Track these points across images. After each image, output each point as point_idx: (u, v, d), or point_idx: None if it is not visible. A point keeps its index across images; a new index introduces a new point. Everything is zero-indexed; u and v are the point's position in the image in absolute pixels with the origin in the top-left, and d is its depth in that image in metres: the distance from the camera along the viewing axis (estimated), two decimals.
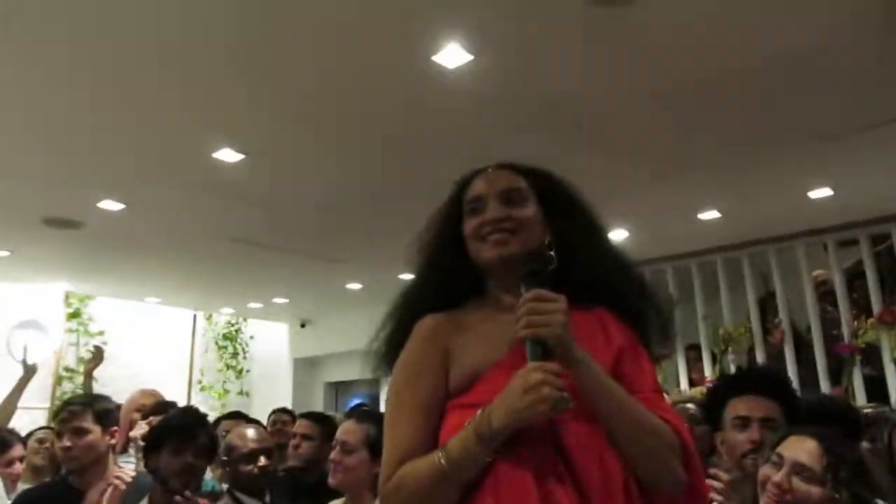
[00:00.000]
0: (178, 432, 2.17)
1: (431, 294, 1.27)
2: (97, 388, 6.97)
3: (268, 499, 2.67)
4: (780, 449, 1.57)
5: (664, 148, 3.85)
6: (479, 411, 1.05)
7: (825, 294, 5.23)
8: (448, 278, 1.26)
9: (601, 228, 1.32)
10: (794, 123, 3.58)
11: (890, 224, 4.90)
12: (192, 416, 2.31)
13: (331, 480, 2.19)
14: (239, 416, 3.76)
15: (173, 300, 7.79)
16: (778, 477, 1.50)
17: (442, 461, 1.05)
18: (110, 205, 4.56)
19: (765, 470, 1.56)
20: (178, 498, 2.02)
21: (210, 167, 3.94)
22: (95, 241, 5.32)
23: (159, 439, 2.19)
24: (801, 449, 1.52)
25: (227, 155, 3.81)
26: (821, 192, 4.50)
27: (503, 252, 1.20)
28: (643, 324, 1.23)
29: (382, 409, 4.65)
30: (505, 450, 1.04)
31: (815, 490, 1.47)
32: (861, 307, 5.01)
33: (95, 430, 2.42)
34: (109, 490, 2.29)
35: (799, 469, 1.49)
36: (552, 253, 1.22)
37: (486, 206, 1.24)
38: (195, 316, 8.44)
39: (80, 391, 6.97)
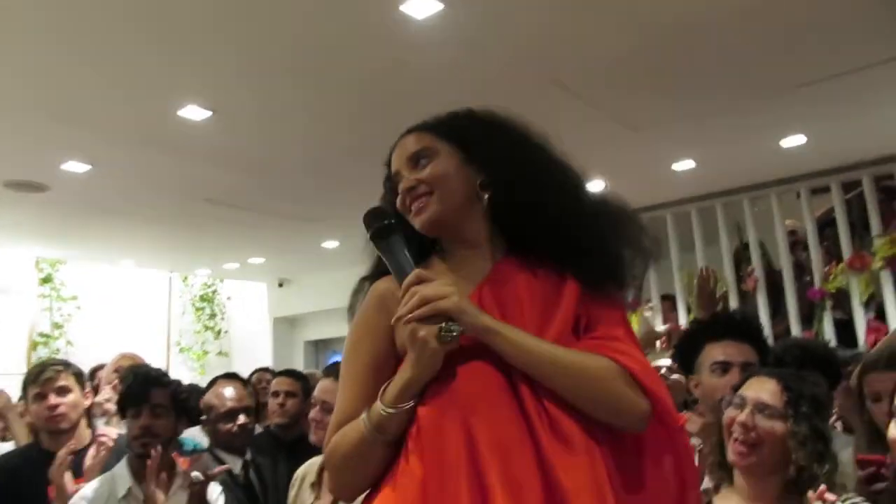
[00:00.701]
0: (129, 397, 2.18)
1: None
2: (73, 353, 6.97)
3: (248, 456, 2.70)
4: (741, 391, 1.63)
5: (639, 98, 3.82)
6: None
7: (796, 243, 5.32)
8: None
9: (547, 157, 1.23)
10: (766, 72, 3.56)
11: (861, 171, 4.96)
12: (141, 378, 2.28)
13: (312, 438, 2.21)
14: (233, 378, 3.75)
15: (147, 262, 7.70)
16: (742, 416, 1.56)
17: (364, 423, 1.08)
18: (75, 166, 4.44)
19: (729, 412, 1.61)
20: (148, 461, 2.03)
21: (176, 125, 3.84)
22: (63, 204, 5.20)
23: (121, 406, 2.22)
24: (763, 389, 1.59)
25: (194, 112, 3.70)
26: (794, 140, 4.53)
27: (425, 218, 1.18)
28: (601, 268, 1.16)
29: None
30: (433, 400, 1.06)
31: (778, 425, 1.54)
32: (832, 254, 5.11)
33: (76, 390, 2.43)
34: (92, 450, 2.29)
35: (762, 407, 1.56)
36: (487, 195, 1.17)
37: (401, 178, 1.22)
38: (171, 278, 8.37)
39: (55, 356, 6.93)
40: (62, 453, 2.23)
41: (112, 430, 2.43)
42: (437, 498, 0.99)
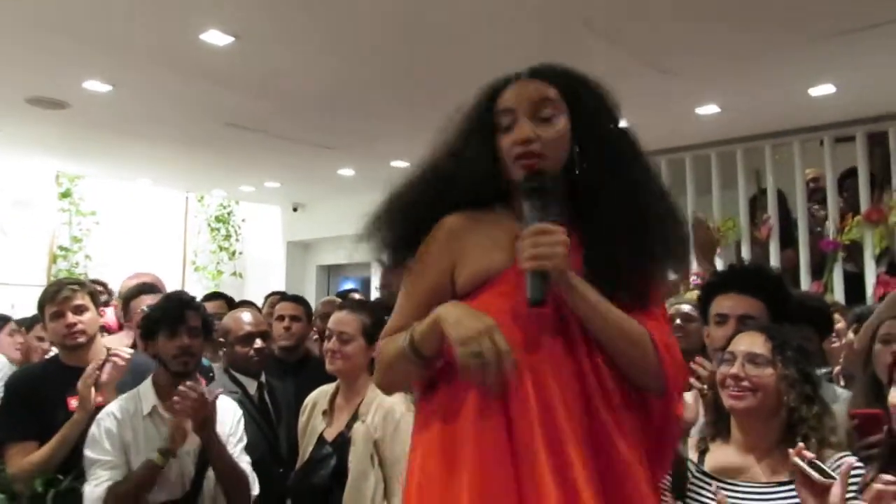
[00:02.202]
0: (167, 318, 2.24)
1: (459, 194, 1.28)
2: (92, 267, 7.13)
3: (263, 378, 2.80)
4: (731, 348, 1.70)
5: (667, 41, 3.73)
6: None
7: (815, 191, 5.27)
8: (477, 184, 1.27)
9: (631, 146, 1.29)
10: (801, 19, 3.46)
11: (887, 122, 4.86)
12: (177, 300, 2.37)
13: (329, 367, 2.28)
14: (219, 297, 3.85)
15: (164, 181, 7.75)
16: (734, 369, 1.64)
17: (405, 339, 1.20)
18: (96, 86, 4.44)
19: (721, 369, 1.68)
20: (181, 388, 2.11)
21: (198, 49, 3.81)
22: (83, 122, 5.21)
23: (153, 327, 2.26)
24: (750, 342, 1.67)
25: (215, 37, 3.67)
26: (823, 90, 4.43)
27: (533, 170, 1.21)
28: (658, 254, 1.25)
29: (374, 292, 4.80)
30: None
31: (768, 371, 1.61)
32: (850, 205, 5.06)
33: (92, 309, 2.50)
34: (108, 366, 2.37)
35: (751, 358, 1.63)
36: (578, 170, 1.23)
37: (516, 121, 1.22)
38: (187, 197, 8.44)
39: (74, 270, 7.09)
40: (90, 368, 2.33)
41: (125, 350, 2.49)
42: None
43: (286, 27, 3.63)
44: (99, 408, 2.25)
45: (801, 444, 1.40)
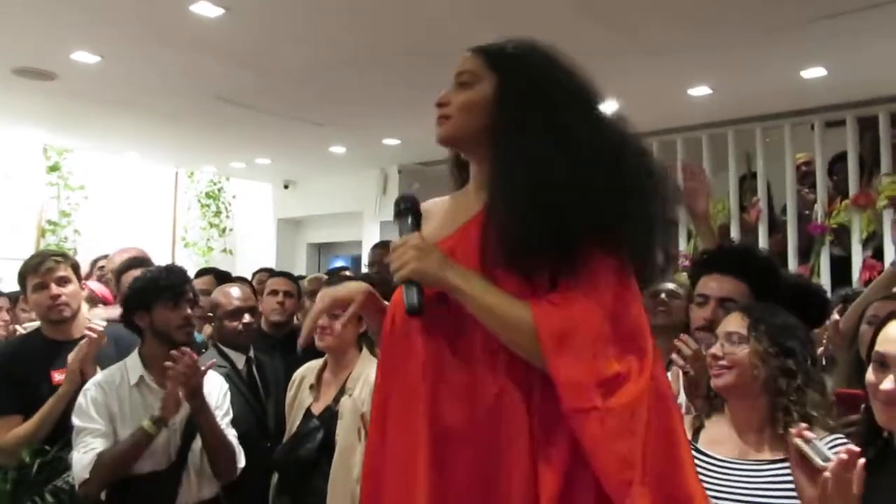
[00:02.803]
0: (173, 288, 2.25)
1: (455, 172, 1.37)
2: (80, 242, 7.10)
3: (251, 353, 2.81)
4: (717, 330, 1.74)
5: (658, 21, 3.72)
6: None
7: (807, 175, 5.30)
8: (451, 161, 1.38)
9: (585, 125, 1.19)
10: (791, 1, 3.46)
11: (878, 106, 4.88)
12: (178, 272, 2.38)
13: (319, 343, 2.30)
14: (211, 273, 3.85)
15: (154, 156, 7.70)
16: (714, 349, 1.68)
17: None
18: (84, 56, 4.38)
19: (711, 350, 1.69)
20: (174, 352, 2.11)
21: (188, 21, 3.76)
22: (70, 93, 5.15)
23: (150, 296, 2.25)
24: (730, 322, 1.70)
25: (206, 8, 3.62)
26: (814, 72, 4.44)
27: (438, 135, 1.26)
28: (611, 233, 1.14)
29: (364, 269, 4.77)
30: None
31: (743, 348, 1.64)
32: (839, 189, 5.10)
33: (74, 281, 2.49)
34: (85, 341, 2.34)
35: (727, 336, 1.67)
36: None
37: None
38: (177, 173, 8.39)
39: (63, 244, 7.05)
40: (84, 343, 2.32)
41: (99, 323, 2.43)
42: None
43: (277, 0, 3.60)
44: (82, 381, 2.25)
45: (802, 425, 1.39)
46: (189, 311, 2.25)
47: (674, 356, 1.94)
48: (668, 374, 1.91)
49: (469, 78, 1.24)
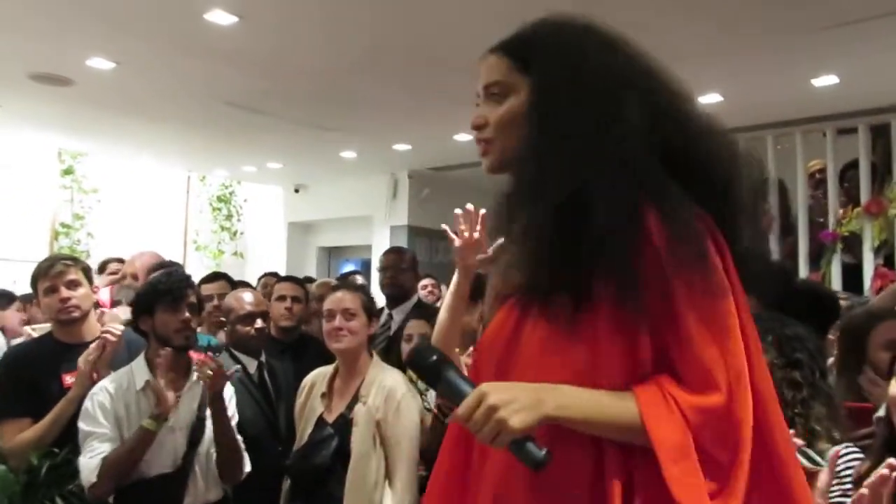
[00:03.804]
0: (171, 293, 2.26)
1: None
2: (94, 245, 7.16)
3: (263, 358, 2.83)
4: None
5: (670, 29, 3.73)
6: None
7: (819, 182, 5.27)
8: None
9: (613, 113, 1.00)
10: (803, 7, 3.46)
11: (890, 114, 4.86)
12: (179, 276, 2.39)
13: (336, 345, 2.31)
14: (221, 278, 3.87)
15: (166, 160, 7.76)
16: None
17: None
18: (100, 63, 4.44)
19: None
20: (159, 360, 2.14)
21: (202, 29, 3.81)
22: (86, 99, 5.22)
23: (152, 301, 2.27)
24: None
25: (220, 17, 3.67)
26: (826, 80, 4.43)
27: (487, 167, 1.09)
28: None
29: (374, 274, 4.74)
30: None
31: None
32: (851, 197, 5.07)
33: (85, 284, 2.51)
34: (95, 344, 2.35)
35: None
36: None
37: (479, 102, 1.11)
38: (189, 177, 8.45)
39: (76, 247, 7.11)
40: (94, 346, 2.34)
41: (117, 326, 2.45)
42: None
43: (290, 8, 3.63)
44: (93, 384, 2.27)
45: (791, 431, 1.41)
46: (188, 315, 2.26)
47: None
48: None
49: (500, 89, 1.06)
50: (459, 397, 0.99)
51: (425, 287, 4.55)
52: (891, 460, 1.26)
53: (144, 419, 2.11)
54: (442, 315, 1.66)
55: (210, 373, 2.13)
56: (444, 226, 1.57)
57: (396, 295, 3.72)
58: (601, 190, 0.96)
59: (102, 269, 4.14)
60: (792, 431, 1.39)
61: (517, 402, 0.94)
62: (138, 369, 2.25)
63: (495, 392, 0.95)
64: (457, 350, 1.80)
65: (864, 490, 1.23)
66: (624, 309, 0.95)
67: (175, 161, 7.81)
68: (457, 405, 0.98)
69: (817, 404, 1.60)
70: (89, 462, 2.07)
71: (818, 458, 1.35)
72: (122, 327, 2.47)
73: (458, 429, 1.07)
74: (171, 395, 2.12)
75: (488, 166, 1.09)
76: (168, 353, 2.20)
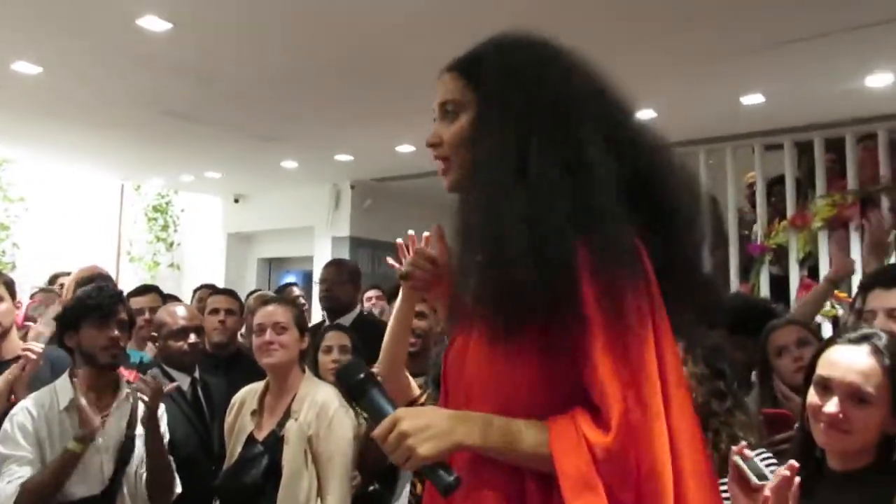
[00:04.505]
0: (99, 308, 2.19)
1: None
2: (19, 256, 6.86)
3: (197, 374, 2.76)
4: None
5: (607, 43, 3.81)
6: None
7: (754, 194, 5.47)
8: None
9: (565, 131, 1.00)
10: (731, 29, 3.60)
11: (814, 132, 5.09)
12: (110, 292, 2.32)
13: (267, 360, 2.27)
14: (152, 291, 3.76)
15: (99, 168, 7.52)
16: None
17: None
18: (26, 67, 4.28)
19: None
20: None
21: (134, 35, 3.71)
22: (11, 104, 5.02)
23: (78, 316, 2.20)
24: None
25: (153, 23, 3.59)
26: (753, 98, 4.61)
27: (447, 186, 1.10)
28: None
29: (315, 286, 4.70)
30: None
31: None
32: (778, 210, 5.28)
33: (7, 299, 2.41)
34: (17, 365, 2.27)
35: None
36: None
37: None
38: (123, 186, 8.20)
39: (2, 258, 6.81)
40: (16, 367, 2.24)
41: (37, 345, 2.37)
42: None
43: (225, 15, 3.58)
44: (11, 406, 2.17)
45: (742, 443, 1.44)
46: (117, 333, 2.19)
47: None
48: None
49: (454, 107, 1.07)
50: (378, 418, 1.01)
51: (370, 299, 4.52)
52: (792, 462, 1.31)
53: (69, 440, 2.02)
54: (386, 340, 1.66)
55: (148, 391, 2.08)
56: (398, 240, 1.56)
57: (335, 308, 3.70)
58: (533, 219, 0.96)
59: (52, 283, 3.98)
60: (738, 448, 1.42)
61: (429, 430, 0.97)
62: (62, 388, 2.16)
63: (409, 419, 0.98)
64: (407, 374, 1.80)
65: (767, 493, 1.27)
66: (549, 338, 0.96)
67: (109, 169, 7.57)
68: (377, 424, 1.01)
69: (739, 412, 1.66)
70: (6, 488, 1.97)
71: (766, 472, 1.37)
72: (41, 345, 2.38)
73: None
74: (97, 416, 2.05)
75: (448, 185, 1.10)
76: (85, 372, 2.13)
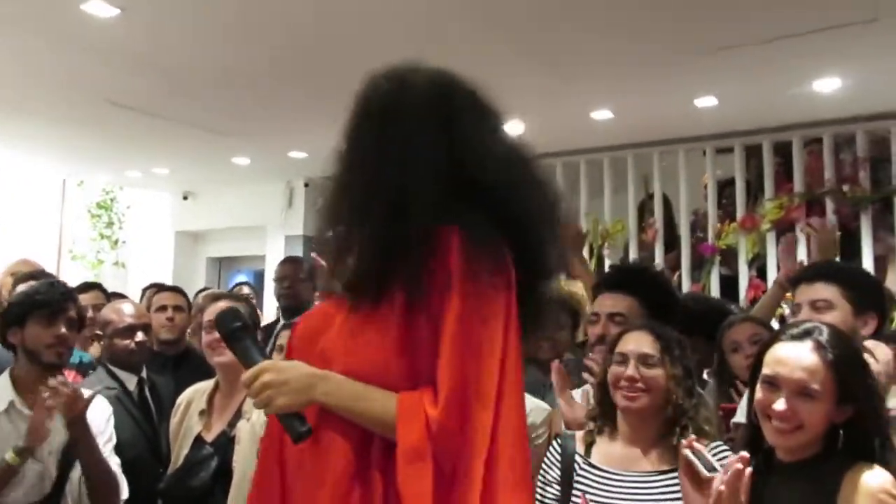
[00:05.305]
0: (49, 305, 2.10)
1: None
2: None
3: (144, 373, 2.66)
4: (621, 349, 1.77)
5: (566, 47, 3.84)
6: None
7: (706, 197, 5.59)
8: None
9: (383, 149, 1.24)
10: (690, 31, 3.66)
11: (762, 135, 5.22)
12: (62, 288, 2.23)
13: (217, 359, 2.19)
14: (96, 288, 3.63)
15: (39, 161, 7.21)
16: (630, 371, 1.71)
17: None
18: None
19: (613, 370, 1.74)
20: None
21: (79, 20, 3.54)
22: None
23: (25, 312, 2.09)
24: (642, 342, 1.75)
25: (99, 8, 3.43)
26: (706, 101, 4.69)
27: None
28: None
29: (268, 285, 4.64)
30: None
31: (659, 371, 1.70)
32: (728, 212, 5.40)
33: None
34: None
35: (643, 359, 1.72)
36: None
37: None
38: (65, 181, 7.90)
39: None
40: None
41: None
42: None
43: (178, 1, 3.45)
44: None
45: (692, 437, 1.47)
46: (64, 331, 2.09)
47: (585, 375, 2.01)
48: (576, 393, 1.96)
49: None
50: (247, 365, 1.15)
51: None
52: (743, 453, 1.34)
53: (6, 451, 1.91)
54: None
55: (63, 399, 1.95)
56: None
57: (292, 306, 3.64)
58: (406, 211, 1.11)
59: None
60: (688, 441, 1.44)
61: (288, 384, 1.10)
62: (2, 388, 2.06)
63: (272, 371, 1.11)
64: None
65: (721, 487, 1.30)
66: (410, 313, 1.08)
67: (49, 163, 7.27)
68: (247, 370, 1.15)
69: (703, 408, 1.70)
70: None
71: (715, 464, 1.40)
72: None
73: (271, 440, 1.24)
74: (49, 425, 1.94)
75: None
76: (27, 371, 2.02)
